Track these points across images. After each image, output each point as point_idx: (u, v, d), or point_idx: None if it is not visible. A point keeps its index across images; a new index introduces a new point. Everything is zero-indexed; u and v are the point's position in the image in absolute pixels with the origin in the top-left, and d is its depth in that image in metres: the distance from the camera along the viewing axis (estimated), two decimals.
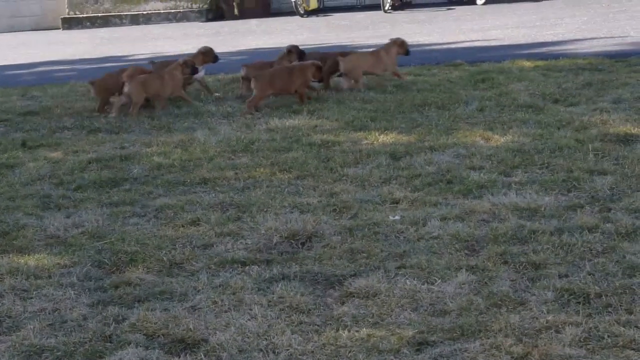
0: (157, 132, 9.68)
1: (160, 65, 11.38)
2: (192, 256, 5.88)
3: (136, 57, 17.23)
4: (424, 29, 18.44)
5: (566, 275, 5.16)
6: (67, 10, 26.96)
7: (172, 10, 26.42)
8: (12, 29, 27.31)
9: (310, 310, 4.97)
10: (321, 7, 25.55)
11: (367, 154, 8.04)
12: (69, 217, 6.86)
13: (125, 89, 10.64)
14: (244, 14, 25.37)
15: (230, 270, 5.61)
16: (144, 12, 26.62)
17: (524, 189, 6.73)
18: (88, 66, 16.66)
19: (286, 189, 7.22)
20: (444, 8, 23.16)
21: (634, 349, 4.32)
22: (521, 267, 5.33)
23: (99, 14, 26.82)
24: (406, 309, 4.91)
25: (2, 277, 5.70)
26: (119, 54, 18.38)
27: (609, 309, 4.72)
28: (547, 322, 4.60)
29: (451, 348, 4.43)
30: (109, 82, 11.09)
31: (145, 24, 26.27)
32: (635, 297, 4.82)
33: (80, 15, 26.86)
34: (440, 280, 5.21)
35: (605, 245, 5.56)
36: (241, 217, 6.60)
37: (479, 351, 4.38)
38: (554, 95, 9.95)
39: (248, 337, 4.67)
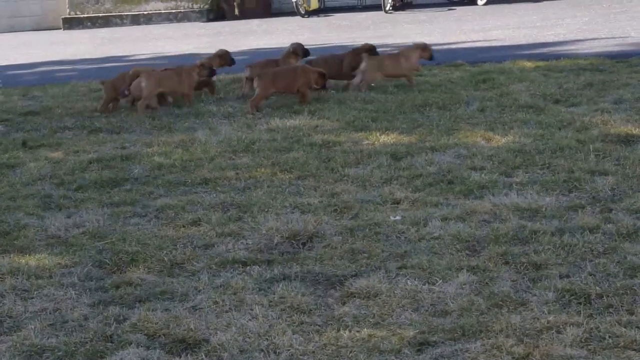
0: (158, 132, 9.68)
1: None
2: (193, 256, 5.88)
3: (137, 58, 17.23)
4: (424, 30, 18.44)
5: (567, 276, 5.16)
6: (67, 10, 26.97)
7: (173, 11, 26.42)
8: (12, 29, 27.31)
9: (311, 310, 4.97)
10: (322, 7, 25.55)
11: (368, 154, 8.04)
12: (69, 217, 6.87)
13: (142, 84, 10.70)
14: (245, 14, 25.37)
15: (231, 270, 5.61)
16: (145, 12, 26.62)
17: (525, 190, 6.73)
18: (89, 66, 16.66)
19: (287, 189, 7.22)
20: (445, 8, 23.16)
21: (635, 350, 4.31)
22: (522, 268, 5.33)
23: (100, 14, 26.82)
24: (407, 309, 4.90)
25: (3, 277, 5.70)
26: (120, 54, 18.38)
27: (610, 310, 4.71)
28: (548, 323, 4.60)
29: (452, 348, 4.43)
30: (118, 84, 11.12)
31: (146, 24, 26.27)
32: (636, 298, 4.82)
33: (81, 15, 26.87)
34: (441, 281, 5.21)
35: (606, 245, 5.56)
36: (242, 217, 6.60)
37: (480, 351, 4.37)
38: (555, 96, 9.95)
39: (249, 337, 4.67)
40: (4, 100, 12.49)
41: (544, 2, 22.61)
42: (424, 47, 11.14)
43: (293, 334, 4.67)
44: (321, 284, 5.33)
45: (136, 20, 26.54)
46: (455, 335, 4.56)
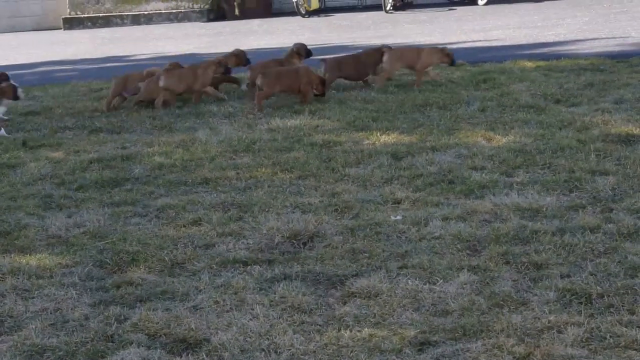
0: (159, 132, 9.68)
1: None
2: (193, 256, 5.88)
3: (137, 58, 17.24)
4: (425, 30, 18.44)
5: (568, 276, 5.16)
6: (68, 10, 26.97)
7: (174, 11, 26.42)
8: (13, 29, 27.31)
9: (312, 310, 4.97)
10: (322, 7, 25.55)
11: (368, 154, 8.04)
12: (70, 217, 6.87)
13: (161, 82, 10.76)
14: (245, 14, 25.37)
15: (232, 270, 5.61)
16: (145, 12, 26.62)
17: (526, 189, 6.73)
18: (89, 66, 16.67)
19: (288, 189, 7.22)
20: (446, 8, 23.16)
21: (635, 349, 4.31)
22: (523, 267, 5.33)
23: (100, 14, 26.82)
24: (408, 309, 4.90)
25: (4, 277, 5.70)
26: (120, 54, 18.39)
27: (611, 310, 4.71)
28: (549, 322, 4.60)
29: (453, 348, 4.43)
30: (128, 82, 11.17)
31: (147, 24, 26.27)
32: (637, 298, 4.82)
33: (82, 15, 26.87)
34: (442, 281, 5.21)
35: (607, 245, 5.56)
36: (243, 217, 6.60)
37: (480, 351, 4.37)
38: (555, 96, 9.95)
39: (250, 337, 4.66)
40: None
41: (545, 2, 22.60)
42: (447, 53, 11.15)
43: (294, 334, 4.67)
44: (322, 284, 5.33)
45: (136, 20, 26.54)
46: (456, 335, 4.56)
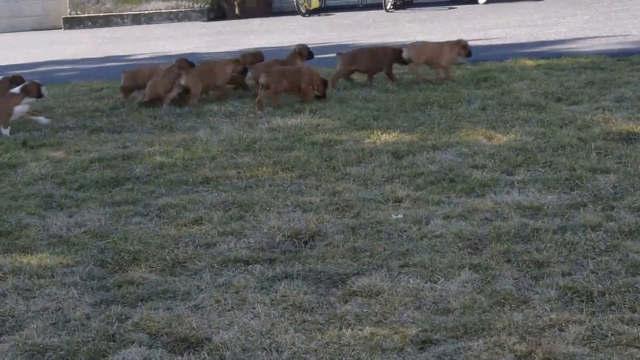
0: (160, 132, 9.68)
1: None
2: (194, 255, 5.88)
3: (138, 57, 17.24)
4: (425, 28, 18.44)
5: (569, 274, 5.16)
6: (68, 10, 26.97)
7: (174, 10, 26.43)
8: (13, 29, 27.32)
9: (313, 308, 4.97)
10: (323, 6, 25.56)
11: (369, 153, 8.04)
12: (71, 216, 6.87)
13: (182, 80, 10.84)
14: (246, 14, 25.37)
15: (233, 269, 5.61)
16: (146, 12, 26.62)
17: (527, 188, 6.73)
18: (89, 66, 16.67)
19: (289, 188, 7.22)
20: (446, 7, 23.17)
21: (637, 347, 4.31)
22: (524, 266, 5.33)
23: (101, 14, 26.82)
24: (409, 307, 4.90)
25: (5, 276, 5.70)
26: (121, 54, 18.39)
27: (613, 307, 4.71)
28: (550, 321, 4.60)
29: (454, 346, 4.43)
30: (138, 76, 11.21)
31: (147, 23, 26.28)
32: (638, 296, 4.82)
33: (82, 15, 26.87)
34: (443, 279, 5.21)
35: (608, 243, 5.56)
36: (244, 216, 6.60)
37: (482, 349, 4.37)
38: (556, 94, 9.95)
39: (251, 336, 4.67)
40: None
41: (545, 0, 22.60)
42: (464, 45, 11.19)
43: (295, 333, 4.67)
44: (323, 283, 5.33)
45: (137, 19, 26.54)
46: (458, 333, 4.56)
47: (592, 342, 4.38)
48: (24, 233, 6.54)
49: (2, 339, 4.89)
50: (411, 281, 5.20)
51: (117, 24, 26.51)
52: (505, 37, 15.98)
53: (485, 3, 23.33)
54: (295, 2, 24.15)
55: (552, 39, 14.99)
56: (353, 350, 4.46)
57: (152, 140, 9.22)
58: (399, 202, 6.68)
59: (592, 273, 5.13)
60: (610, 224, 5.87)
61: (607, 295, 4.84)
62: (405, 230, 6.05)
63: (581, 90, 10.09)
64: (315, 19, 23.48)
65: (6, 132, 10.04)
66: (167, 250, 5.98)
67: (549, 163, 7.32)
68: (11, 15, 27.82)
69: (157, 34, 22.42)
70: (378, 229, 6.12)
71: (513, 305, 4.83)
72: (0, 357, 4.65)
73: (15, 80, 11.06)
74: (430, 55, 11.19)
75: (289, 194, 7.04)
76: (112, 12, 26.82)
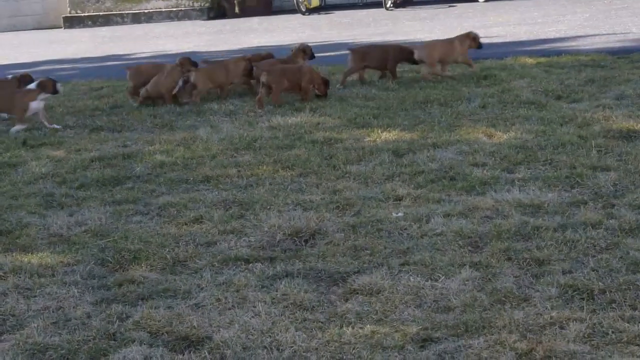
0: (160, 130, 9.68)
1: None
2: (195, 254, 5.88)
3: (138, 56, 17.23)
4: (425, 27, 18.43)
5: (570, 272, 5.16)
6: (68, 9, 26.96)
7: (174, 9, 26.41)
8: (13, 28, 27.31)
9: (314, 307, 4.97)
10: (323, 4, 25.52)
11: (369, 151, 8.04)
12: (72, 215, 6.87)
13: (192, 77, 10.88)
14: (246, 12, 25.35)
15: (234, 267, 5.61)
16: (146, 11, 26.61)
17: (527, 186, 6.73)
18: (90, 65, 16.66)
19: (289, 187, 7.22)
20: (446, 5, 23.13)
21: (638, 345, 4.32)
22: (525, 264, 5.33)
23: (101, 13, 26.81)
24: (410, 305, 4.90)
25: (6, 275, 5.70)
26: (121, 53, 18.38)
27: (613, 305, 4.71)
28: (551, 318, 4.60)
29: (455, 344, 4.43)
30: (143, 71, 11.27)
31: (147, 22, 26.26)
32: (639, 293, 4.82)
33: (82, 14, 26.87)
34: (443, 277, 5.21)
35: (609, 241, 5.56)
36: (244, 214, 6.60)
37: (483, 347, 4.37)
38: (556, 92, 9.94)
39: (252, 335, 4.67)
40: None
41: None
42: (473, 37, 11.22)
43: (296, 331, 4.67)
44: (324, 281, 5.33)
45: (137, 18, 26.53)
46: (458, 331, 4.56)
47: (593, 340, 4.39)
48: (25, 232, 6.54)
49: (2, 338, 4.90)
50: (412, 279, 5.20)
51: (117, 23, 26.49)
52: (505, 35, 15.97)
53: (485, 1, 23.31)
54: (295, 1, 24.14)
55: (553, 37, 14.97)
56: (354, 349, 4.46)
57: (153, 139, 9.22)
58: (400, 200, 6.67)
59: (593, 271, 5.13)
60: (610, 221, 5.86)
61: (607, 293, 4.85)
62: (405, 229, 6.05)
63: (581, 88, 10.08)
64: (315, 17, 23.47)
65: (22, 127, 10.05)
66: (167, 249, 5.98)
67: (549, 161, 7.32)
68: (11, 14, 27.81)
69: (157, 33, 22.40)
70: (378, 227, 6.11)
71: (514, 303, 4.83)
72: (1, 356, 4.65)
73: (24, 79, 11.08)
74: (443, 53, 11.19)
75: (290, 193, 7.04)
76: (112, 11, 26.81)
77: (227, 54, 15.78)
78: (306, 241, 5.99)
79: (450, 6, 22.94)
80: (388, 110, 9.66)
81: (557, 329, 4.50)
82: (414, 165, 7.50)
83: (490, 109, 9.37)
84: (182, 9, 26.35)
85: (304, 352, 4.48)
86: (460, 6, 22.52)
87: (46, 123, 10.16)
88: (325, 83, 10.55)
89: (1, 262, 5.93)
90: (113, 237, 6.29)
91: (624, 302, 4.73)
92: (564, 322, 4.56)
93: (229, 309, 5.01)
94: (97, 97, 12.04)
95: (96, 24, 26.59)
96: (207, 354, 4.53)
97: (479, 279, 5.16)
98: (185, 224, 6.48)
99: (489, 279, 5.16)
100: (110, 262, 5.84)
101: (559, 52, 12.68)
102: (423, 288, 5.09)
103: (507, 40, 15.25)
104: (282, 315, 4.88)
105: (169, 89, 10.86)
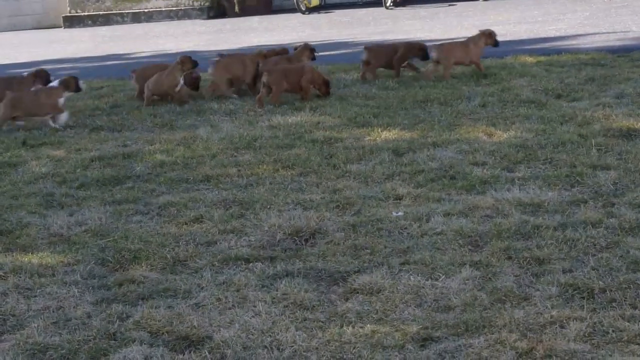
0: (160, 130, 9.68)
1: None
2: (195, 253, 5.88)
3: (138, 56, 17.23)
4: (425, 25, 18.42)
5: (570, 271, 5.16)
6: (68, 9, 26.96)
7: (174, 8, 26.41)
8: (13, 28, 27.30)
9: (314, 306, 4.97)
10: (323, 3, 25.51)
11: (369, 150, 8.04)
12: (72, 215, 6.87)
13: (211, 72, 11.04)
14: (246, 11, 25.34)
15: (234, 267, 5.61)
16: (146, 10, 26.61)
17: (527, 185, 6.73)
18: (90, 64, 16.65)
19: (289, 186, 7.22)
20: (446, 4, 23.13)
21: (638, 344, 4.32)
22: (525, 263, 5.33)
23: (101, 12, 26.81)
24: (410, 305, 4.90)
25: (6, 275, 5.70)
26: (121, 52, 18.37)
27: (613, 304, 4.71)
28: (551, 317, 4.60)
29: (455, 344, 4.43)
30: (148, 73, 11.27)
31: (147, 21, 26.25)
32: (639, 292, 4.82)
33: (82, 14, 26.86)
34: (444, 276, 5.21)
35: (609, 240, 5.56)
36: (244, 214, 6.60)
37: (483, 347, 4.37)
38: (556, 91, 9.94)
39: (252, 334, 4.67)
40: None
41: None
42: (489, 34, 11.22)
43: (296, 331, 4.67)
44: (324, 280, 5.33)
45: (137, 18, 26.52)
46: (459, 330, 4.56)
47: (593, 339, 4.39)
48: (25, 232, 6.54)
49: (3, 338, 4.90)
50: (412, 279, 5.20)
51: (117, 22, 26.49)
52: (505, 33, 15.94)
53: (485, 0, 23.30)
54: (295, 0, 24.14)
55: (552, 36, 14.97)
56: (354, 348, 4.47)
57: (153, 138, 9.22)
58: (400, 199, 6.67)
59: (593, 270, 5.13)
60: (610, 220, 5.86)
61: (608, 292, 4.85)
62: (405, 228, 6.05)
63: (581, 86, 10.08)
64: (315, 16, 23.47)
65: (65, 117, 10.11)
66: (167, 249, 5.98)
67: (549, 160, 7.32)
68: (11, 14, 27.81)
69: (157, 32, 22.40)
70: (379, 226, 6.11)
71: (514, 302, 4.83)
72: (2, 356, 4.65)
73: (40, 74, 11.10)
74: (460, 56, 11.20)
75: (290, 192, 7.04)
76: (112, 10, 26.81)
77: (226, 54, 15.78)
78: (306, 240, 5.99)
79: (450, 5, 22.93)
80: (388, 109, 9.66)
81: (557, 328, 4.50)
82: (414, 165, 7.50)
83: (490, 108, 9.37)
84: (182, 8, 26.35)
85: (304, 351, 4.48)
86: (460, 5, 22.51)
87: (51, 122, 10.17)
88: (326, 83, 10.55)
89: (1, 262, 5.93)
90: (113, 236, 6.29)
91: (625, 301, 4.73)
92: (565, 321, 4.56)
93: (229, 308, 5.01)
94: (97, 96, 12.04)
95: (96, 23, 26.59)
96: (207, 353, 4.53)
97: (479, 278, 5.16)
98: (186, 224, 6.48)
99: (489, 278, 5.16)
100: (111, 262, 5.84)
101: (559, 51, 12.68)
102: (423, 287, 5.09)
103: (507, 38, 15.22)
104: (282, 314, 4.88)
105: (172, 87, 10.85)
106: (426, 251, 5.60)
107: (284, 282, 5.27)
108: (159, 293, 5.28)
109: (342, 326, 4.70)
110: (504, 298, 4.88)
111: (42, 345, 4.71)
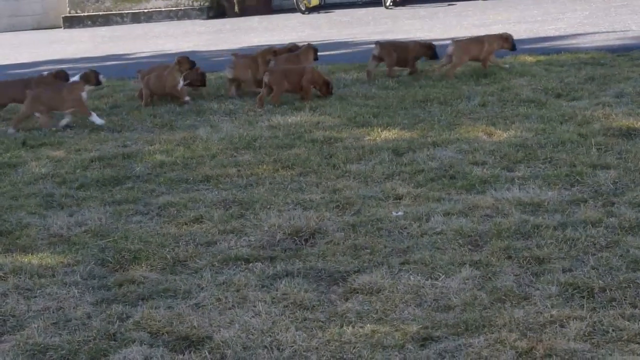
0: (160, 130, 9.68)
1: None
2: (195, 254, 5.88)
3: (138, 56, 17.24)
4: (425, 25, 18.43)
5: (570, 270, 5.16)
6: (68, 9, 26.97)
7: (174, 8, 26.41)
8: (13, 28, 27.31)
9: (314, 306, 4.97)
10: (322, 3, 25.51)
11: (369, 150, 8.04)
12: (72, 215, 6.87)
13: (230, 74, 11.06)
14: (245, 11, 25.35)
15: (234, 267, 5.61)
16: (145, 10, 26.61)
17: (527, 184, 6.73)
18: (89, 65, 16.64)
19: (289, 186, 7.22)
20: (445, 4, 23.13)
21: (638, 343, 4.32)
22: (525, 262, 5.33)
23: (100, 13, 26.81)
24: (410, 304, 4.90)
25: (6, 276, 5.70)
26: (120, 53, 18.37)
27: (613, 303, 4.71)
28: (551, 317, 4.60)
29: (455, 343, 4.43)
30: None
31: (147, 22, 26.25)
32: (639, 291, 4.82)
33: (82, 14, 26.87)
34: (444, 276, 5.21)
35: (609, 239, 5.56)
36: (244, 214, 6.60)
37: (483, 346, 4.37)
38: (556, 90, 9.94)
39: (252, 334, 4.67)
40: None
41: None
42: (506, 38, 11.25)
43: (296, 331, 4.67)
44: (324, 280, 5.33)
45: (136, 18, 26.53)
46: (459, 330, 4.56)
47: (593, 338, 4.39)
48: (25, 232, 6.54)
49: (3, 338, 4.90)
50: (412, 278, 5.20)
51: (116, 23, 26.49)
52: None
53: None
54: (294, 0, 24.14)
55: (552, 35, 14.97)
56: (354, 348, 4.47)
57: (153, 138, 9.22)
58: (400, 199, 6.67)
59: (593, 269, 5.13)
60: (610, 219, 5.86)
61: (607, 291, 4.85)
62: (405, 228, 6.05)
63: (581, 86, 10.08)
64: (314, 16, 23.47)
65: (95, 118, 10.09)
66: (167, 249, 5.98)
67: (549, 159, 7.32)
68: (11, 14, 27.81)
69: (157, 33, 22.40)
70: (378, 226, 6.11)
71: (514, 302, 4.83)
72: (2, 357, 4.66)
73: (59, 75, 11.13)
74: (475, 52, 11.23)
75: (290, 192, 7.04)
76: (111, 10, 26.81)
77: (227, 54, 15.80)
78: (306, 240, 5.99)
79: (449, 4, 22.94)
80: (388, 109, 9.66)
81: (557, 328, 4.50)
82: (414, 164, 7.50)
83: (490, 108, 9.37)
84: (182, 8, 26.35)
85: (304, 351, 4.48)
86: (460, 4, 22.52)
87: (67, 120, 10.18)
88: (327, 84, 10.55)
89: (1, 262, 5.93)
90: (113, 237, 6.29)
91: (624, 300, 4.73)
92: (564, 320, 4.56)
93: (229, 308, 5.01)
94: (97, 97, 12.03)
95: (96, 23, 26.59)
96: (207, 353, 4.53)
97: (479, 277, 5.16)
98: (185, 224, 6.48)
99: (489, 277, 5.16)
100: (111, 262, 5.84)
101: (558, 50, 12.68)
102: (423, 287, 5.09)
103: None
104: (282, 314, 4.88)
105: (172, 87, 10.85)
106: (426, 251, 5.60)
107: (283, 282, 5.27)
108: (158, 293, 5.28)
109: (342, 326, 4.70)
110: (503, 297, 4.88)
111: (42, 345, 4.71)
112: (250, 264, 5.63)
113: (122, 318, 4.97)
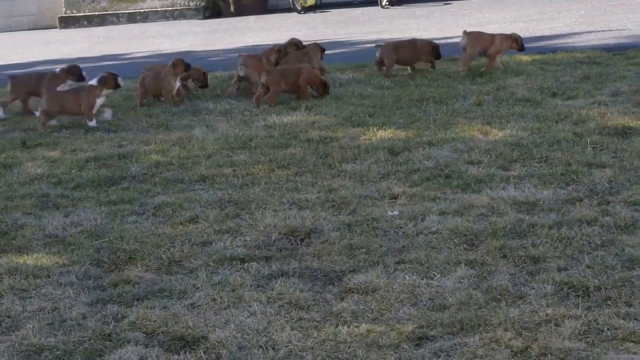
0: (155, 130, 9.67)
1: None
2: (190, 254, 5.88)
3: (134, 56, 17.22)
4: (420, 24, 18.42)
5: (565, 269, 5.16)
6: (64, 9, 26.94)
7: (169, 8, 26.39)
8: (9, 29, 27.27)
9: (309, 306, 4.97)
10: (318, 3, 25.49)
11: (365, 150, 8.04)
12: (67, 216, 6.86)
13: (242, 73, 11.07)
14: (241, 11, 25.33)
15: (229, 267, 5.61)
16: (141, 10, 26.59)
17: (523, 183, 6.73)
18: (86, 65, 16.59)
19: (284, 186, 7.22)
20: (441, 3, 23.13)
21: (633, 342, 4.32)
22: (520, 261, 5.33)
23: (96, 13, 26.78)
24: (405, 304, 4.91)
25: (1, 276, 5.70)
26: (116, 53, 18.36)
27: (608, 302, 4.72)
28: (546, 316, 4.60)
29: (451, 342, 4.43)
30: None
31: (143, 22, 26.23)
32: (634, 290, 4.83)
33: (77, 14, 26.84)
34: (439, 275, 5.21)
35: (604, 238, 5.56)
36: (240, 214, 6.60)
37: (478, 345, 4.38)
38: (552, 89, 9.95)
39: (247, 334, 4.67)
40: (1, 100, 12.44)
41: None
42: (515, 39, 11.28)
43: (292, 330, 4.67)
44: (319, 280, 5.33)
45: (132, 18, 26.50)
46: (454, 329, 4.57)
47: (588, 337, 4.39)
48: (20, 233, 6.54)
49: None
50: (407, 278, 5.20)
51: (112, 23, 26.46)
52: (500, 32, 15.94)
53: None
54: (290, 0, 24.13)
55: (548, 34, 14.97)
56: (349, 348, 4.47)
57: (148, 139, 9.21)
58: (395, 198, 6.68)
59: (588, 268, 5.13)
60: (606, 218, 5.87)
61: (603, 290, 4.85)
62: (401, 227, 6.05)
63: (577, 85, 10.09)
64: (310, 16, 23.46)
65: (93, 123, 10.02)
66: (163, 249, 5.97)
67: (544, 158, 7.32)
68: (7, 14, 27.77)
69: (153, 33, 22.38)
70: (374, 225, 6.12)
71: (509, 301, 4.83)
72: None
73: (72, 70, 11.05)
74: (486, 45, 11.27)
75: (285, 192, 7.04)
76: (107, 10, 26.78)
77: (223, 53, 15.80)
78: (302, 240, 5.99)
79: (445, 4, 22.94)
80: (383, 108, 9.66)
81: (552, 327, 4.50)
82: (410, 164, 7.50)
83: (486, 107, 9.37)
84: (178, 8, 26.34)
85: (299, 351, 4.48)
86: (456, 4, 22.51)
87: (94, 121, 10.14)
88: (324, 84, 10.54)
89: None
90: (108, 237, 6.29)
91: (619, 299, 4.74)
92: (560, 319, 4.56)
93: (225, 308, 5.01)
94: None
95: (92, 23, 26.56)
96: (202, 354, 4.53)
97: (474, 276, 5.17)
98: (181, 224, 6.48)
99: (485, 276, 5.16)
100: (106, 263, 5.84)
101: (554, 49, 12.68)
102: (418, 286, 5.09)
103: None
104: (277, 314, 4.88)
105: (169, 91, 10.83)
106: (421, 250, 5.60)
107: (279, 281, 5.27)
108: (154, 293, 5.28)
109: (337, 326, 4.70)
110: (499, 297, 4.88)
111: (38, 346, 4.71)
112: (246, 264, 5.63)
113: (118, 318, 4.97)
